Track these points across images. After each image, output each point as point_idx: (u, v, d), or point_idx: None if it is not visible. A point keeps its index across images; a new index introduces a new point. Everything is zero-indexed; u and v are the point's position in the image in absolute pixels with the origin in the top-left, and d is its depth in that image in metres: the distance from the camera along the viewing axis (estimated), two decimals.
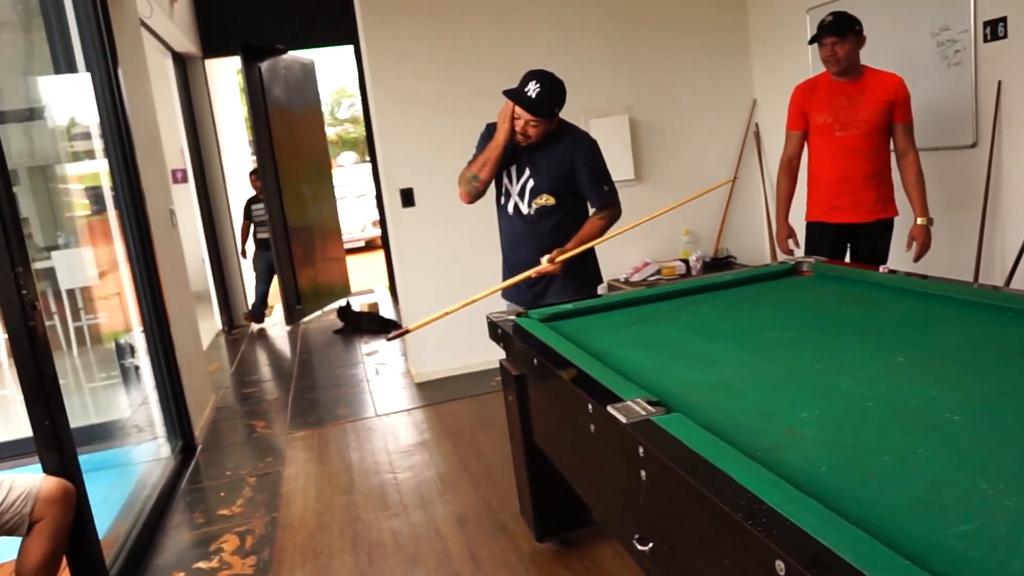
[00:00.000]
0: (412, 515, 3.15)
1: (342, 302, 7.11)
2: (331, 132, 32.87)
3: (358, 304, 7.32)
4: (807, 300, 2.49)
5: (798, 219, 3.63)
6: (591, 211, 2.98)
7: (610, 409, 1.55)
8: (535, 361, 2.10)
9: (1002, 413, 1.45)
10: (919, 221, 3.35)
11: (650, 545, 1.53)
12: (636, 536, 1.59)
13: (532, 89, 2.71)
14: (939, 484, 1.21)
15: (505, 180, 2.98)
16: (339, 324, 6.79)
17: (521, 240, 3.01)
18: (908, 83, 3.38)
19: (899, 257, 3.51)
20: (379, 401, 4.72)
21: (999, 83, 3.59)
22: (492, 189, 3.08)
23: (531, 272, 2.86)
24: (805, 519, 1.06)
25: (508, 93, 2.77)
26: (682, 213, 4.85)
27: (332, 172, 8.34)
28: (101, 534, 2.61)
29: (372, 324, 6.59)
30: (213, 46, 7.17)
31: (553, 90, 2.75)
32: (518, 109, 2.74)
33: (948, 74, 3.86)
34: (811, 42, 3.37)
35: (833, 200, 3.41)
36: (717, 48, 5.24)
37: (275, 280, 7.00)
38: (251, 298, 7.53)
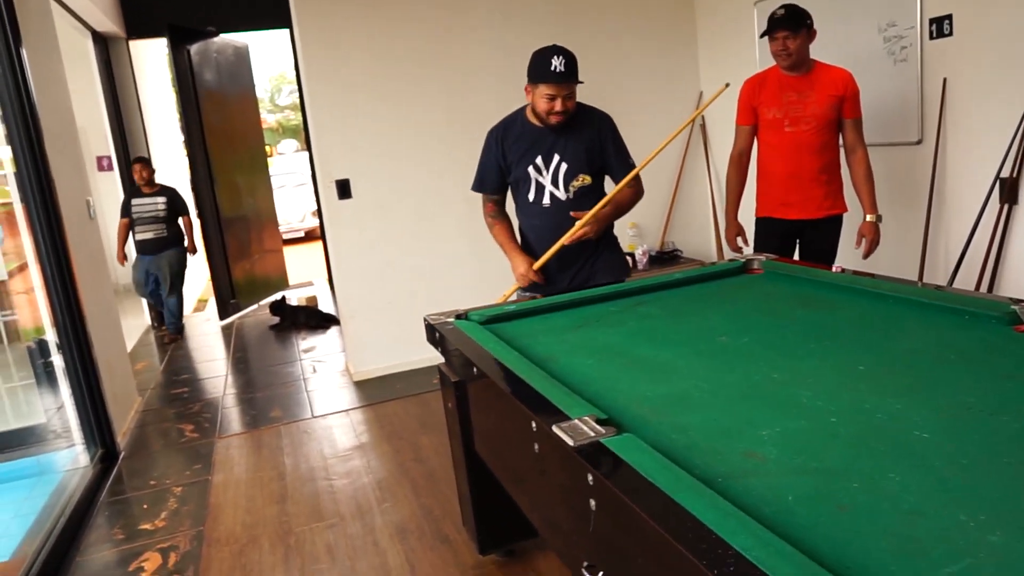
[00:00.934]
0: (349, 526, 2.98)
1: (279, 296, 6.84)
2: (271, 119, 32.09)
3: (296, 298, 7.05)
4: (759, 301, 2.40)
5: (747, 215, 3.55)
6: (617, 181, 2.91)
7: (555, 429, 1.41)
8: (474, 370, 1.95)
9: (971, 429, 1.36)
10: (868, 218, 3.31)
11: (600, 574, 1.41)
12: (585, 564, 1.47)
13: (558, 64, 2.68)
14: (915, 516, 1.11)
15: (534, 176, 2.88)
16: (275, 319, 6.53)
17: (558, 229, 2.86)
18: (857, 79, 3.33)
19: (848, 254, 3.47)
20: (316, 401, 4.52)
21: (944, 80, 3.58)
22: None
23: (565, 239, 2.80)
24: (778, 568, 0.94)
25: (540, 79, 2.71)
26: None
27: (268, 160, 8.03)
28: (8, 554, 2.38)
29: (310, 319, 6.35)
30: (138, 27, 6.78)
31: (573, 56, 2.73)
32: (549, 90, 2.70)
33: (895, 70, 3.83)
34: (763, 35, 3.29)
35: (783, 196, 3.35)
36: (664, 39, 5.16)
37: (212, 277, 6.67)
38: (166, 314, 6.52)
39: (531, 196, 2.90)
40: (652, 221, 5.22)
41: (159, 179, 6.45)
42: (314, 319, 6.35)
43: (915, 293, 2.16)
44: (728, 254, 3.46)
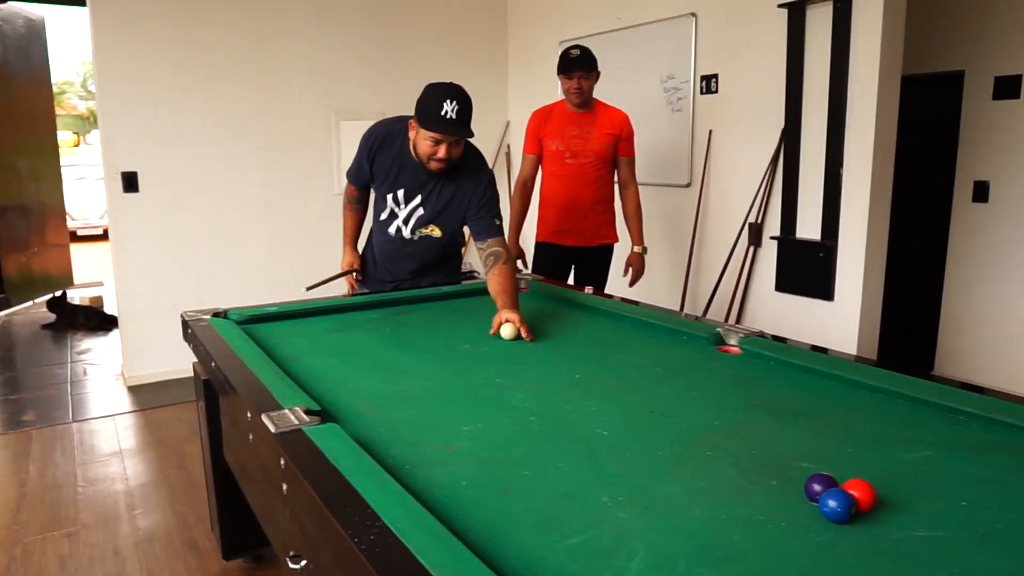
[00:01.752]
0: (91, 535, 2.79)
1: (58, 293, 6.31)
2: (81, 106, 29.61)
3: (79, 297, 6.53)
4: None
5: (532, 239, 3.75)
6: (479, 241, 2.60)
7: (263, 417, 1.43)
8: (212, 364, 1.93)
9: (645, 429, 1.53)
10: (635, 249, 3.58)
11: (303, 563, 1.43)
12: (291, 553, 1.48)
13: (451, 110, 2.33)
14: (566, 498, 1.23)
15: (391, 202, 2.67)
16: (51, 317, 6.01)
17: (401, 257, 2.77)
18: (639, 123, 3.62)
19: (618, 281, 3.74)
20: (80, 405, 4.20)
21: (710, 132, 3.97)
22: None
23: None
24: (415, 537, 1.01)
25: (426, 124, 2.38)
26: None
27: (58, 147, 7.41)
28: None
29: (90, 319, 5.91)
30: None
31: (469, 102, 2.40)
32: (434, 135, 2.39)
33: (672, 119, 4.21)
34: (559, 72, 3.44)
35: (560, 223, 3.56)
36: (477, 66, 5.34)
37: None
38: None
39: (382, 217, 2.73)
40: None
41: None
42: (94, 320, 5.91)
43: (645, 315, 2.38)
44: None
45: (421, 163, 2.52)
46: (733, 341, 2.10)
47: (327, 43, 4.77)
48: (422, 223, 2.67)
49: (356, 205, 2.93)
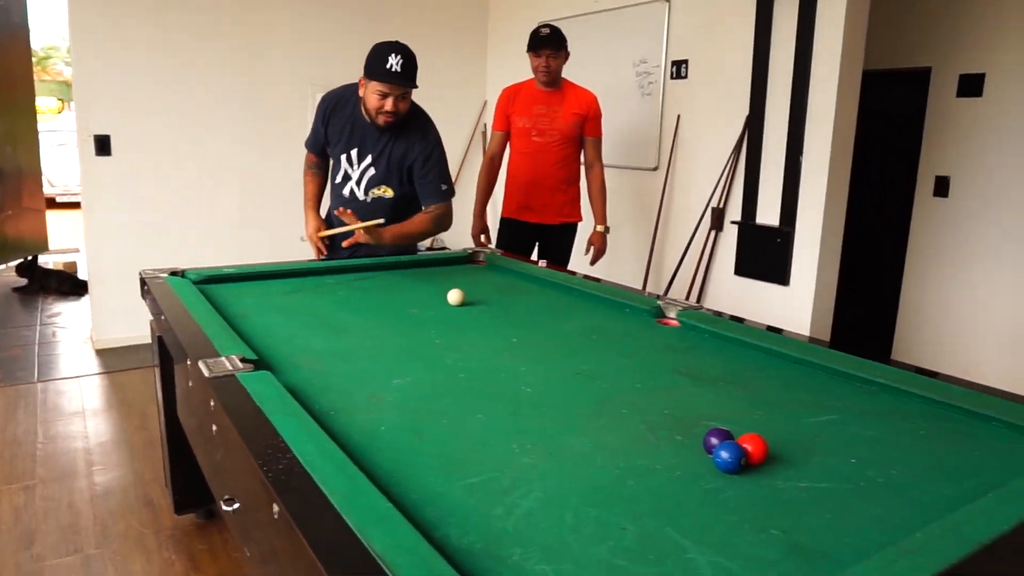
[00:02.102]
0: (47, 488, 2.84)
1: (29, 257, 6.30)
2: (68, 72, 29.25)
3: (52, 262, 6.53)
4: (467, 285, 2.59)
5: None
6: (425, 205, 2.77)
7: (200, 363, 1.49)
8: (163, 318, 1.98)
9: (568, 388, 1.60)
10: (597, 228, 3.65)
11: (235, 506, 1.49)
12: (225, 497, 1.54)
13: (395, 63, 2.52)
14: (476, 444, 1.30)
15: (345, 163, 2.78)
16: (22, 281, 6.02)
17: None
18: (610, 106, 3.67)
19: (581, 260, 3.81)
20: (45, 366, 4.23)
21: (678, 117, 4.03)
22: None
23: (348, 234, 2.66)
24: (320, 468, 1.07)
25: (373, 76, 2.54)
26: None
27: (35, 109, 7.36)
28: None
29: (62, 284, 5.92)
30: None
31: (413, 56, 2.58)
32: (381, 88, 2.55)
33: (642, 103, 4.26)
34: (529, 50, 3.51)
35: (525, 200, 3.62)
36: (456, 46, 5.37)
37: None
38: None
39: (338, 179, 2.83)
40: None
41: None
42: (66, 285, 5.92)
43: (592, 287, 2.45)
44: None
45: (372, 123, 2.67)
46: (672, 314, 2.17)
47: (307, 13, 4.78)
48: (374, 183, 2.77)
49: (316, 170, 2.99)
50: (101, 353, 4.47)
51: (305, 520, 0.94)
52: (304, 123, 4.84)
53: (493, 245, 3.71)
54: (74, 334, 4.88)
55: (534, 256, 3.73)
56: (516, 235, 3.66)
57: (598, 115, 3.58)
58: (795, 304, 3.53)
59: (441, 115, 5.25)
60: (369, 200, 2.79)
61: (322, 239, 2.84)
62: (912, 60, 4.39)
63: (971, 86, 4.15)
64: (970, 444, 1.38)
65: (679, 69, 4.02)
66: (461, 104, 5.43)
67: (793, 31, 3.42)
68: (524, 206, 3.63)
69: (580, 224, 3.71)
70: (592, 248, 3.66)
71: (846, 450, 1.33)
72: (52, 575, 2.29)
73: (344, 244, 2.67)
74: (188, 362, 1.60)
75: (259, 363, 1.55)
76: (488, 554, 0.96)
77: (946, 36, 4.20)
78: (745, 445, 1.24)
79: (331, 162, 2.89)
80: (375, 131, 2.71)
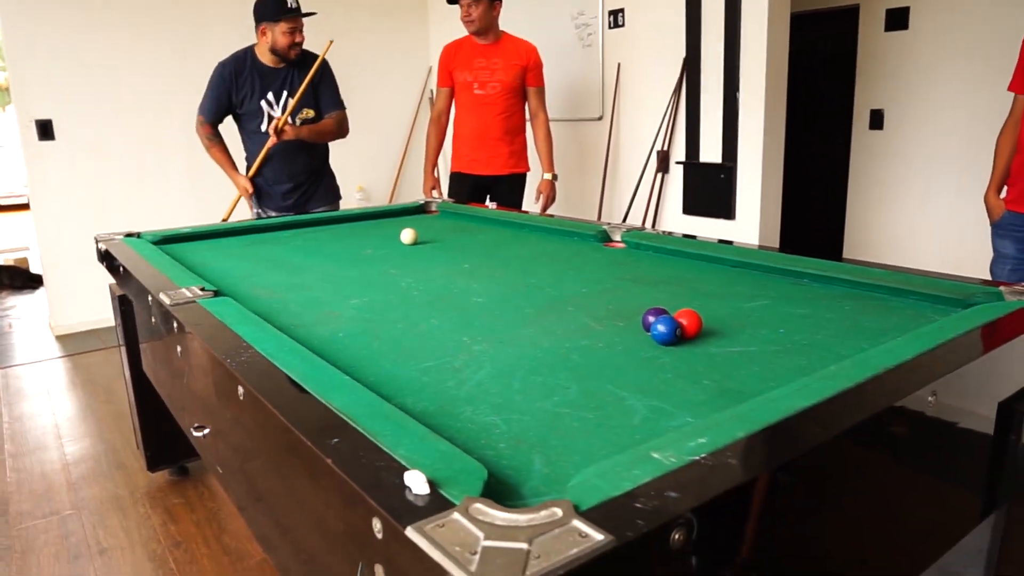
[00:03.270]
0: (17, 462, 2.86)
1: None
2: (2, 77, 28.37)
3: (3, 258, 6.42)
4: (421, 230, 2.66)
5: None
6: (326, 115, 3.32)
7: (161, 295, 1.54)
8: (121, 270, 2.01)
9: (519, 296, 1.68)
10: (545, 176, 3.73)
11: (205, 431, 1.55)
12: (195, 425, 1.60)
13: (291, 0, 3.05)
14: (429, 339, 1.37)
15: (266, 108, 3.21)
16: None
17: (292, 151, 3.26)
18: (552, 60, 3.74)
19: (532, 208, 3.88)
20: (4, 354, 4.20)
21: (619, 65, 4.12)
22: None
23: (269, 143, 3.17)
24: (280, 357, 1.14)
25: (279, 17, 3.04)
26: (355, 170, 4.94)
27: None
28: None
29: (14, 279, 5.85)
30: None
31: None
32: (290, 24, 3.07)
33: (583, 54, 4.34)
34: (450, 2, 3.54)
35: (471, 153, 3.68)
36: (397, 13, 5.38)
37: None
38: None
39: (263, 127, 3.21)
40: (380, 183, 5.43)
41: None
42: (19, 279, 5.85)
43: (542, 221, 2.54)
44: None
45: (275, 64, 3.17)
46: (617, 237, 2.26)
47: None
48: (298, 110, 3.21)
49: (218, 140, 3.32)
50: (61, 339, 4.45)
51: (269, 393, 1.01)
52: None
53: (443, 198, 3.75)
54: (31, 324, 4.84)
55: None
56: (466, 188, 3.73)
57: (538, 65, 3.64)
58: (741, 237, 3.65)
59: (386, 83, 5.33)
60: (299, 124, 3.24)
61: (252, 182, 3.27)
62: None
63: (897, 20, 4.30)
64: (889, 313, 1.49)
65: (616, 18, 4.10)
66: (405, 71, 5.46)
67: None
68: (471, 159, 3.69)
69: (529, 174, 3.79)
70: (541, 196, 3.74)
71: (777, 323, 1.43)
72: (29, 536, 2.33)
73: (272, 138, 3.14)
74: (149, 298, 1.65)
75: (219, 293, 1.60)
76: (442, 412, 1.04)
77: None
78: (680, 319, 1.33)
79: (244, 120, 3.27)
80: (277, 74, 3.19)
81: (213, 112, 3.24)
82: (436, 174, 3.77)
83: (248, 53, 3.21)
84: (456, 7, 3.53)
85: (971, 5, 3.93)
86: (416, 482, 0.73)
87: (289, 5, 3.05)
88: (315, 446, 0.84)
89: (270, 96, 3.21)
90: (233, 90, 3.20)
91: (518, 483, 0.84)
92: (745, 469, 0.78)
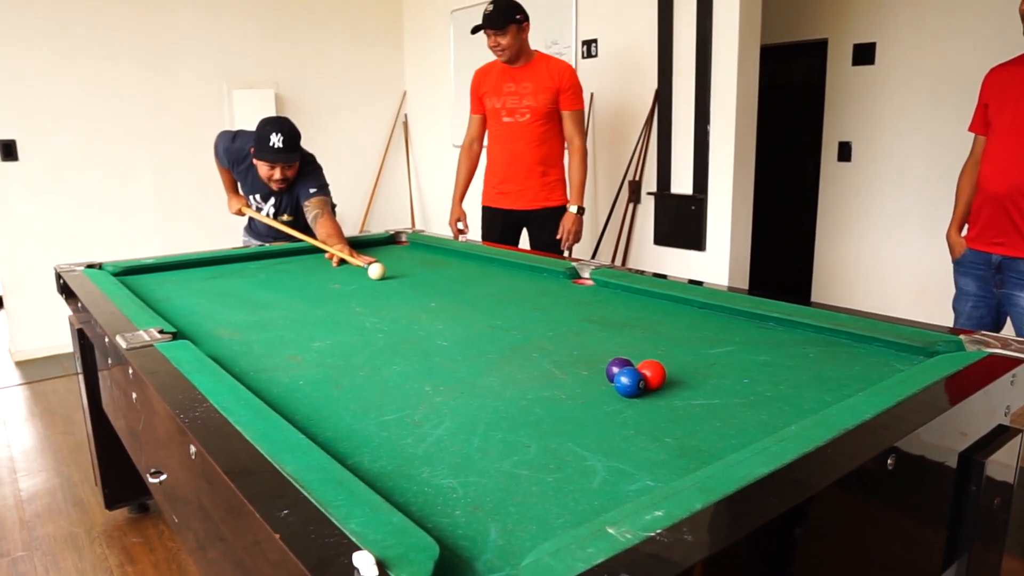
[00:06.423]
0: None
1: None
2: None
3: None
4: (389, 262, 2.64)
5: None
6: (304, 202, 3.01)
7: (117, 337, 1.50)
8: (80, 305, 1.97)
9: (483, 340, 1.66)
10: (570, 209, 3.35)
11: (162, 477, 1.51)
12: (152, 470, 1.56)
13: (277, 140, 2.79)
14: (393, 390, 1.35)
15: (252, 200, 3.11)
16: None
17: (269, 233, 3.18)
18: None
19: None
20: None
21: (592, 94, 4.14)
22: None
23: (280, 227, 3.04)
24: (236, 412, 1.12)
25: (260, 156, 2.84)
26: None
27: None
28: None
29: None
30: None
31: (294, 130, 2.85)
32: (266, 164, 2.85)
33: None
34: (473, 32, 3.35)
35: (499, 185, 3.45)
36: (372, 37, 5.38)
37: None
38: None
39: (251, 202, 3.14)
40: (352, 211, 5.40)
41: None
42: None
43: (510, 256, 2.53)
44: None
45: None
46: (586, 274, 2.26)
47: (218, 10, 4.73)
48: (279, 214, 3.10)
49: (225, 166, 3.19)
50: (21, 365, 4.35)
51: (219, 454, 0.98)
52: (220, 121, 4.81)
53: (468, 232, 3.54)
54: None
55: (523, 245, 3.55)
56: (495, 223, 3.50)
57: (572, 86, 3.31)
58: (712, 268, 3.68)
59: (360, 108, 5.32)
60: (281, 223, 3.10)
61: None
62: (810, 32, 4.60)
63: (864, 55, 4.38)
64: (853, 361, 1.49)
65: (589, 48, 4.13)
66: (379, 95, 5.45)
67: (694, 9, 3.55)
68: (499, 192, 3.45)
69: None
70: (563, 230, 3.35)
71: (741, 372, 1.43)
72: None
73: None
74: (107, 339, 1.61)
75: (178, 335, 1.57)
76: (399, 474, 1.02)
77: (840, 7, 4.42)
78: (644, 371, 1.33)
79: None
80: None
81: (223, 161, 3.15)
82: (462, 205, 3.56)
83: (247, 148, 3.01)
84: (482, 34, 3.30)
85: (934, 44, 4.01)
86: (364, 564, 0.71)
87: (272, 144, 2.78)
88: (264, 519, 0.82)
89: (257, 196, 3.08)
90: (230, 168, 3.12)
91: (472, 556, 0.82)
92: (700, 546, 0.77)
